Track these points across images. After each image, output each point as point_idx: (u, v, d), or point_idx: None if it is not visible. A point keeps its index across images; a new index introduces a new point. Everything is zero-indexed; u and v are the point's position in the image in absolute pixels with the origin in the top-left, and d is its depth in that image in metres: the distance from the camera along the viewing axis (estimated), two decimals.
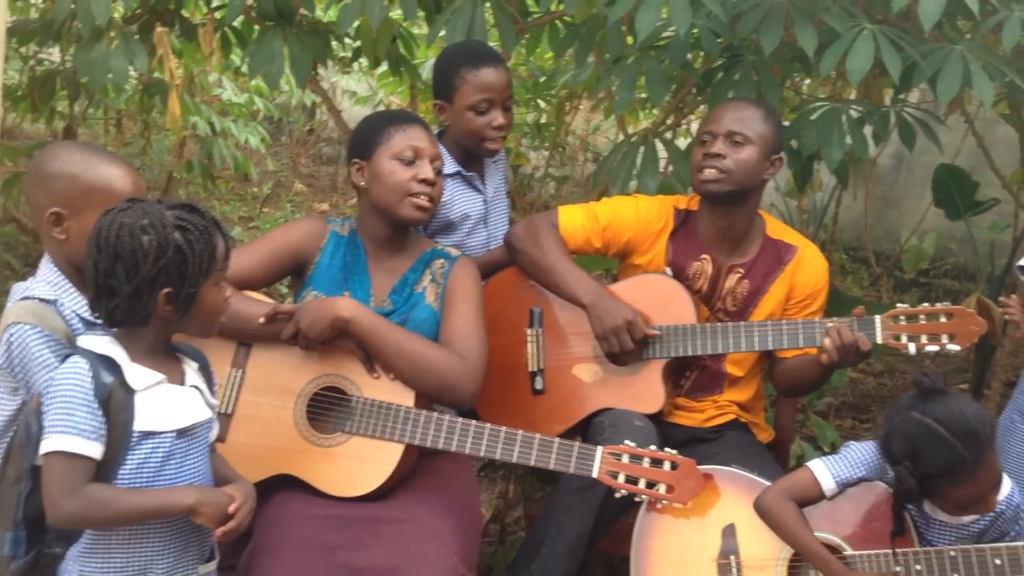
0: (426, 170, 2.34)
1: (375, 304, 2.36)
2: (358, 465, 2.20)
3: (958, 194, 4.60)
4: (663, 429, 2.60)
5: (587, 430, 2.52)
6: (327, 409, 2.26)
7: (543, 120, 4.74)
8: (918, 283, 5.92)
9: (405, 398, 2.23)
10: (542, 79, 4.37)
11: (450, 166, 2.70)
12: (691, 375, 2.66)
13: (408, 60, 3.71)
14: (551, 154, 5.84)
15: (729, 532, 2.26)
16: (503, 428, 2.21)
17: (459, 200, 2.69)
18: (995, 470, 2.04)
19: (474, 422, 2.22)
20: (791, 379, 2.61)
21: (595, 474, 2.16)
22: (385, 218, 2.39)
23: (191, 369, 1.93)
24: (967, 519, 2.13)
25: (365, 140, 2.41)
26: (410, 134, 2.37)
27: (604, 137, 6.48)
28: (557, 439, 2.19)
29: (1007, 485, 2.15)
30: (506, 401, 2.65)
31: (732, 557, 2.23)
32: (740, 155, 2.50)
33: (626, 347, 2.49)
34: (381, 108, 6.33)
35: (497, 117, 2.65)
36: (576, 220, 2.64)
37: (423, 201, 2.34)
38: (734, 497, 2.29)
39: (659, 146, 3.16)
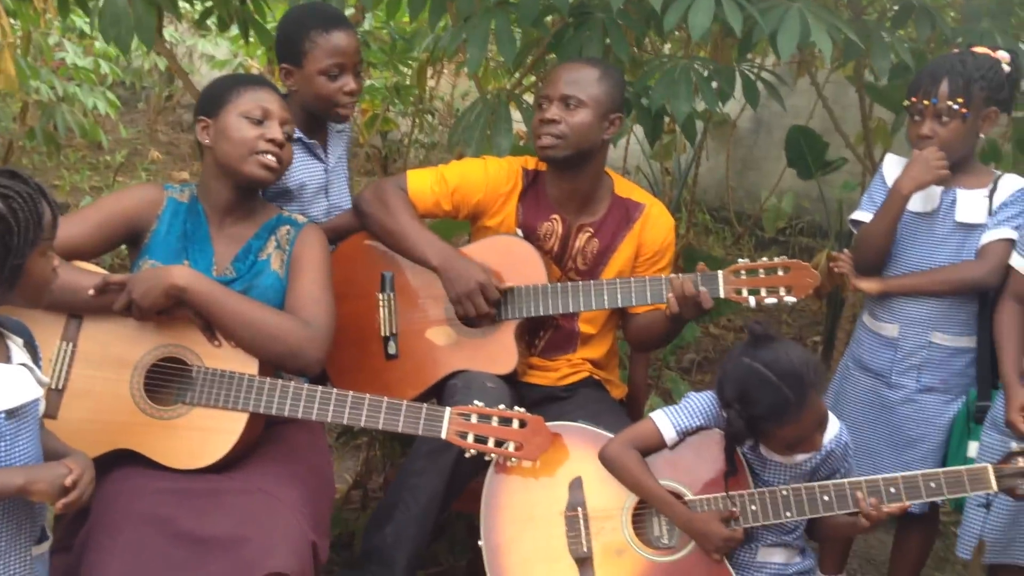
0: (274, 130, 2.28)
1: (217, 272, 2.29)
2: (201, 436, 2.14)
3: (809, 154, 4.76)
4: (518, 389, 2.62)
5: (441, 393, 2.52)
6: (167, 380, 2.19)
7: (406, 83, 4.68)
8: (777, 241, 6.13)
9: (249, 366, 2.18)
10: (402, 41, 4.31)
11: None
12: (545, 334, 2.68)
13: (259, 23, 3.59)
14: (417, 119, 5.78)
15: (576, 485, 2.29)
16: (350, 393, 2.18)
17: (299, 167, 2.62)
18: (819, 411, 2.13)
19: (320, 388, 2.18)
20: (642, 334, 2.67)
21: (443, 435, 2.16)
22: (229, 180, 2.31)
23: (16, 345, 1.83)
24: (799, 458, 2.22)
25: (213, 98, 2.33)
26: (260, 95, 2.31)
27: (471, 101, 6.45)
28: (405, 402, 2.18)
29: (835, 425, 2.25)
30: (360, 367, 2.62)
31: (579, 509, 2.27)
32: (574, 119, 2.51)
33: (481, 311, 2.49)
34: (240, 72, 6.15)
35: (349, 82, 2.60)
36: (425, 183, 2.62)
37: (270, 160, 2.27)
38: (581, 451, 2.33)
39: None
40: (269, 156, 2.27)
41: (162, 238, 2.30)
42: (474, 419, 2.17)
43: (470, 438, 2.16)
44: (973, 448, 2.63)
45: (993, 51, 2.60)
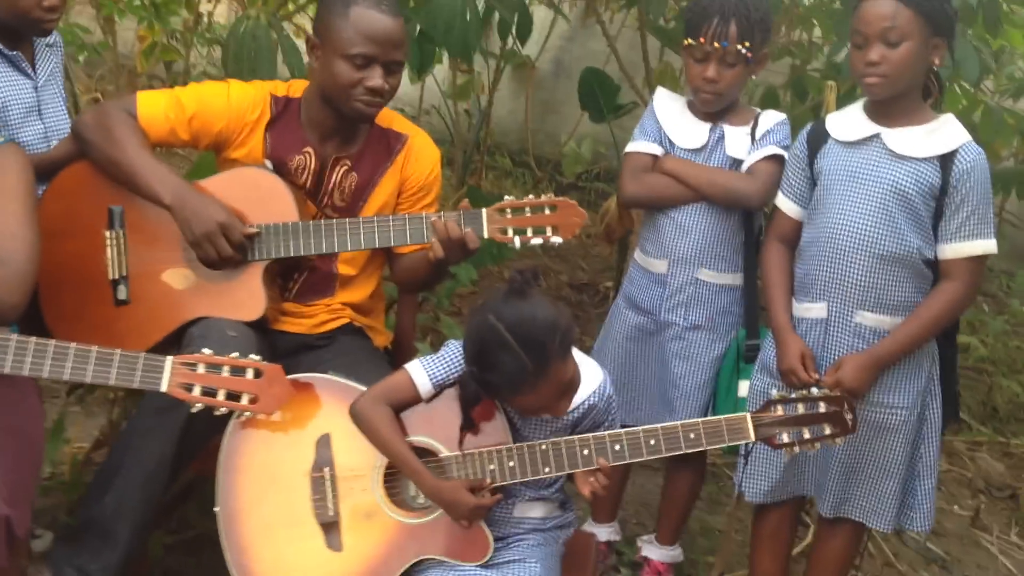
0: None
1: None
2: None
3: (602, 97, 4.69)
4: (270, 338, 2.39)
5: (181, 343, 2.26)
6: None
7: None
8: (576, 186, 6.09)
9: None
10: None
11: None
12: (299, 277, 2.45)
13: None
14: (200, 47, 5.34)
15: (323, 443, 2.10)
16: (52, 342, 1.89)
17: (1, 85, 2.27)
18: (560, 381, 1.98)
19: (15, 337, 1.88)
20: (408, 275, 2.50)
21: (164, 387, 1.91)
22: None
23: None
24: None
25: None
26: None
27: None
28: (119, 351, 1.91)
29: (597, 377, 2.14)
30: (85, 315, 2.33)
31: (326, 469, 2.09)
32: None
33: (224, 253, 2.24)
34: None
35: None
36: (157, 108, 2.32)
37: None
38: (330, 406, 2.14)
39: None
40: None
41: None
42: (201, 369, 1.93)
43: (196, 390, 1.92)
44: (743, 387, 2.62)
45: None
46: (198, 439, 2.16)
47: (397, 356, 2.64)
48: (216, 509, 2.09)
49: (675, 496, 2.86)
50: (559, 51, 6.13)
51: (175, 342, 2.30)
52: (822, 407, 2.04)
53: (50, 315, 2.33)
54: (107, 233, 2.31)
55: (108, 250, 2.31)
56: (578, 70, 5.49)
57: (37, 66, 2.37)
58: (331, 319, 2.48)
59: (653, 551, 2.91)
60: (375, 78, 2.26)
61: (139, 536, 2.12)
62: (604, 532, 2.97)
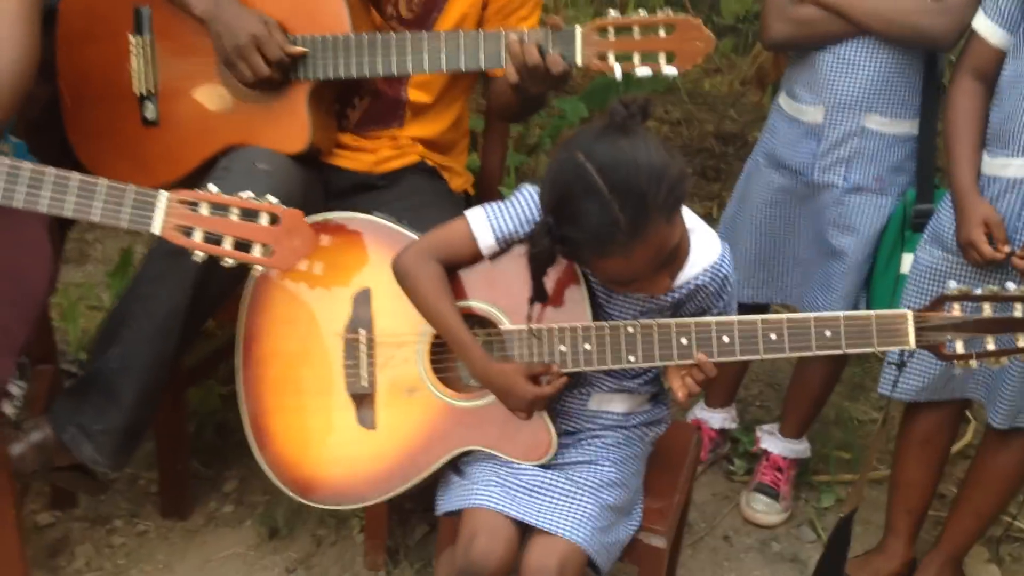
0: None
1: None
2: None
3: None
4: (324, 174, 2.03)
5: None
6: None
7: None
8: (735, 29, 5.40)
9: None
10: None
11: None
12: (360, 103, 2.06)
13: None
14: None
15: (362, 299, 1.74)
16: (27, 166, 1.56)
17: None
18: (661, 249, 1.50)
19: None
20: (500, 101, 2.08)
21: (157, 228, 1.56)
22: None
23: None
24: None
25: None
26: None
27: None
28: (104, 180, 1.56)
29: (714, 251, 1.65)
30: (110, 133, 2.02)
31: (362, 331, 1.73)
32: None
33: (259, 73, 1.85)
34: None
35: None
36: None
37: None
38: (373, 255, 1.76)
39: None
40: None
41: None
42: (204, 209, 1.57)
43: (197, 235, 1.57)
44: (907, 262, 2.13)
45: None
46: (219, 288, 1.83)
47: (478, 203, 2.23)
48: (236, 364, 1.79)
49: (807, 382, 2.41)
50: None
51: (205, 173, 1.95)
52: (1018, 310, 1.52)
53: (74, 133, 2.03)
54: (132, 39, 1.96)
55: (133, 59, 1.97)
56: None
57: None
58: (396, 156, 2.09)
59: (774, 443, 2.48)
60: None
61: (146, 396, 1.83)
62: (717, 418, 2.57)
